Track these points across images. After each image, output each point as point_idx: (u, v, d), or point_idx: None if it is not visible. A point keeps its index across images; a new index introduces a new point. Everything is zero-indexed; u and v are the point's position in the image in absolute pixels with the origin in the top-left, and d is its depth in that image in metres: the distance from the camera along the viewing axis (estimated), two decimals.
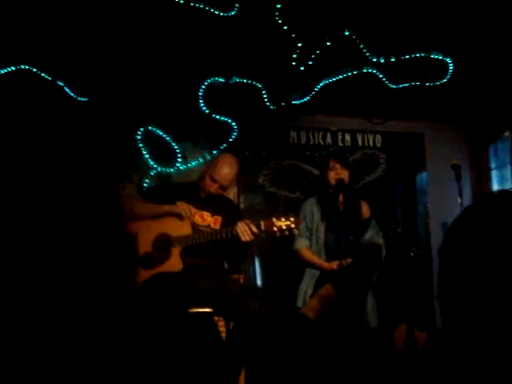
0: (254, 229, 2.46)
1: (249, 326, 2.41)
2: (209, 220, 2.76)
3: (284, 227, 2.48)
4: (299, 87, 3.85)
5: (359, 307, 2.95)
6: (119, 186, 3.54)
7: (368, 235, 3.20)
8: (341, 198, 3.13)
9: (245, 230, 2.46)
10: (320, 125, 4.11)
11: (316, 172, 3.86)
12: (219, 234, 2.56)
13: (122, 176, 3.57)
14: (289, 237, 2.61)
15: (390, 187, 4.20)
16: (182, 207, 2.63)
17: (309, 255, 3.12)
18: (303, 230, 3.11)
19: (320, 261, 3.08)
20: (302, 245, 3.14)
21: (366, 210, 3.26)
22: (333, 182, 3.14)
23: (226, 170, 2.74)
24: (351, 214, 3.10)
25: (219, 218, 2.78)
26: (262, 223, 2.50)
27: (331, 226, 3.14)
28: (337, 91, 3.86)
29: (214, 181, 2.73)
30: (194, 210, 2.72)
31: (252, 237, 2.47)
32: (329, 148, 4.09)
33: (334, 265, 2.98)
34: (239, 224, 2.48)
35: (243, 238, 2.47)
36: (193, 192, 2.85)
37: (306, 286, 3.13)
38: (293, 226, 2.48)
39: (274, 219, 2.49)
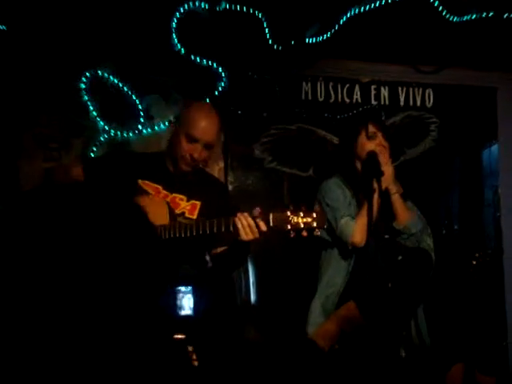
0: (263, 226, 2.42)
1: (239, 361, 2.52)
2: (183, 206, 2.77)
3: (302, 225, 2.42)
4: (316, 19, 3.82)
5: (394, 336, 2.89)
6: (51, 155, 3.54)
7: (410, 234, 3.16)
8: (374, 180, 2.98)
9: (248, 226, 2.43)
10: (345, 74, 4.07)
11: (337, 141, 3.87)
12: (206, 226, 2.51)
13: (54, 141, 3.56)
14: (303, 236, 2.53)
15: (443, 166, 4.24)
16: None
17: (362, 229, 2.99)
18: (343, 207, 3.12)
19: None
20: (352, 225, 3.07)
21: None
22: (363, 155, 3.10)
23: (205, 121, 2.73)
24: (386, 203, 3.04)
25: (197, 204, 2.78)
26: (272, 217, 2.45)
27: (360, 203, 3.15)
28: (370, 26, 3.80)
29: (193, 140, 2.70)
30: (162, 191, 2.74)
31: (257, 235, 2.45)
32: (357, 107, 4.05)
33: None
34: (239, 216, 2.45)
35: (245, 237, 2.45)
36: (161, 167, 2.85)
37: (322, 304, 3.12)
38: (314, 224, 2.42)
39: (289, 213, 2.43)
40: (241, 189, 3.96)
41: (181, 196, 2.77)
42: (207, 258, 2.91)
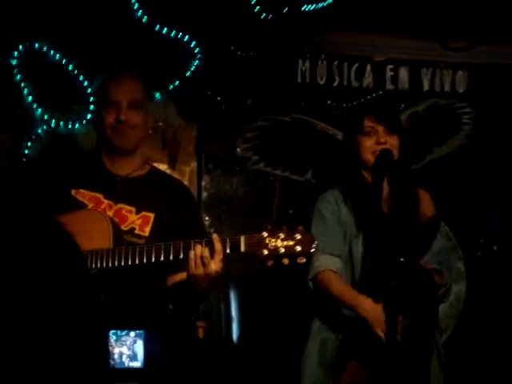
0: (218, 256, 2.46)
1: None
2: (132, 220, 2.72)
3: (282, 250, 2.42)
4: None
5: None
6: None
7: (433, 254, 3.07)
8: (385, 187, 3.04)
9: (199, 256, 2.45)
10: (353, 51, 4.10)
11: (342, 137, 3.72)
12: (150, 252, 2.51)
13: None
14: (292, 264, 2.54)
15: (479, 169, 4.19)
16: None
17: (337, 282, 3.05)
18: (328, 242, 3.08)
19: (356, 294, 3.02)
20: (326, 263, 3.06)
21: (428, 208, 3.17)
22: (370, 157, 3.07)
23: (121, 80, 2.83)
24: (402, 216, 2.99)
25: (150, 217, 2.74)
26: (243, 241, 2.46)
27: (370, 238, 3.08)
28: None
29: (112, 103, 2.74)
30: (104, 201, 2.71)
31: (219, 269, 2.47)
32: (368, 93, 4.07)
33: (379, 307, 2.87)
34: (195, 249, 2.47)
35: (194, 271, 2.47)
36: (99, 168, 2.81)
37: (318, 352, 3.08)
38: (298, 248, 2.41)
39: (266, 234, 2.44)
40: (218, 197, 3.97)
41: (128, 207, 2.72)
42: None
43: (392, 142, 3.05)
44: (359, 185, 3.14)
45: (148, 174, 2.81)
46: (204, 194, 3.87)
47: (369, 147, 3.06)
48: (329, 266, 3.08)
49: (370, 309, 2.96)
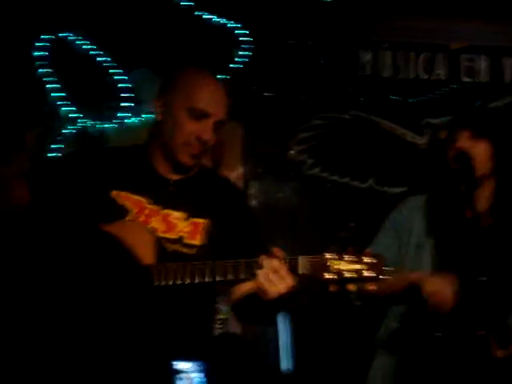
0: (289, 278, 2.32)
1: None
2: (180, 228, 2.58)
3: (348, 275, 2.31)
4: None
5: None
6: None
7: None
8: (483, 198, 2.89)
9: (274, 279, 2.34)
10: (422, 38, 4.05)
11: (422, 141, 3.85)
12: (214, 270, 2.40)
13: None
14: None
15: None
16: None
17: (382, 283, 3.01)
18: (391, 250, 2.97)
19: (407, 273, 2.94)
20: None
21: None
22: (453, 162, 2.92)
23: (212, 88, 2.58)
24: (502, 232, 2.86)
25: (202, 224, 2.59)
26: (301, 262, 2.34)
27: (445, 250, 2.95)
28: None
29: (201, 115, 2.54)
30: (148, 207, 2.58)
31: (286, 290, 2.32)
32: (440, 86, 4.01)
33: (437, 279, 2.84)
34: (265, 264, 2.35)
35: (270, 294, 2.34)
36: (144, 167, 2.67)
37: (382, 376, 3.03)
38: (366, 273, 2.30)
39: (328, 255, 2.31)
40: (268, 206, 3.93)
41: (177, 213, 2.56)
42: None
43: (478, 149, 2.86)
44: (447, 192, 2.98)
45: (197, 175, 2.66)
46: (252, 203, 3.78)
47: (453, 152, 2.89)
48: None
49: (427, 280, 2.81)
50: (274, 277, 2.34)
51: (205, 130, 2.52)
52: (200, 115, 2.53)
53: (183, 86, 2.61)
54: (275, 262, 2.34)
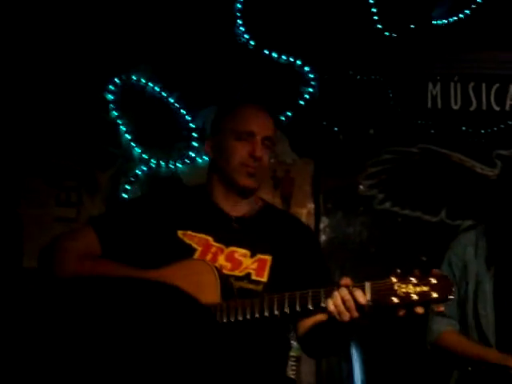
0: (362, 298, 2.34)
1: None
2: (247, 265, 2.62)
3: (415, 297, 2.26)
4: None
5: None
6: (68, 198, 3.66)
7: None
8: None
9: (344, 303, 2.33)
10: (494, 69, 3.98)
11: (492, 172, 3.84)
12: (275, 303, 2.40)
13: (71, 177, 3.63)
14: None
15: None
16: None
17: (455, 340, 3.08)
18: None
19: (480, 348, 2.98)
20: (440, 327, 3.08)
21: None
22: None
23: (257, 113, 2.67)
24: None
25: (267, 260, 2.64)
26: (369, 288, 2.32)
27: (507, 278, 2.97)
28: None
29: (248, 134, 2.62)
30: (214, 245, 2.63)
31: (357, 314, 2.34)
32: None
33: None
34: (336, 291, 2.36)
35: (339, 318, 2.35)
36: (207, 206, 2.72)
37: None
38: (434, 295, 2.26)
39: (395, 279, 2.27)
40: (339, 241, 3.89)
41: (242, 250, 2.60)
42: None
43: None
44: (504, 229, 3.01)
45: (262, 212, 2.70)
46: (323, 238, 3.80)
47: None
48: (448, 327, 3.03)
49: (495, 356, 2.88)
50: (345, 304, 2.31)
51: (255, 147, 2.57)
52: (246, 135, 2.58)
53: (228, 120, 2.66)
54: (344, 291, 2.32)
